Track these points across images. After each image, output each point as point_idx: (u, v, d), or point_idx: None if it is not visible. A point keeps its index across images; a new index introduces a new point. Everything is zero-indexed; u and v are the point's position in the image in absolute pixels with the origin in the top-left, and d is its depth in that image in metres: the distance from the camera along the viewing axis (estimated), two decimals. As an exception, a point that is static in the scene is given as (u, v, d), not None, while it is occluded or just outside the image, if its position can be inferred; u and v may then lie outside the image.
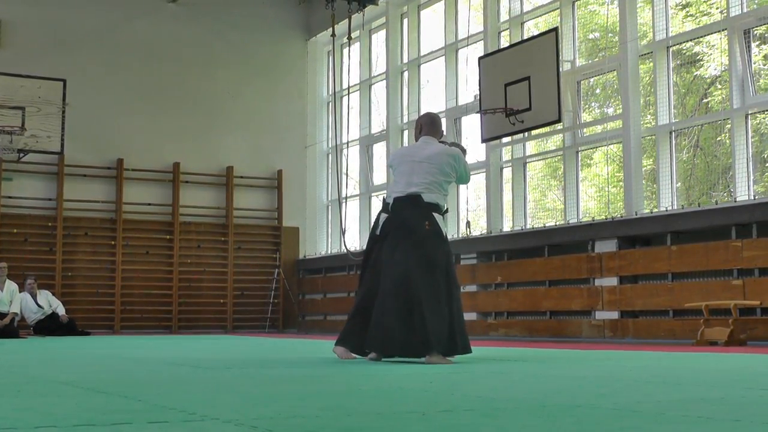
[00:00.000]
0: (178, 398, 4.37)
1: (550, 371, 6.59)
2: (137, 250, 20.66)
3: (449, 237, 16.06)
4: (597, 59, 16.08)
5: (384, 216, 8.06)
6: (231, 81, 21.94)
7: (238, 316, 21.41)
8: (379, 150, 21.25)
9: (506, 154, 17.55)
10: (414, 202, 7.91)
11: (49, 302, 18.36)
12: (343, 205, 18.09)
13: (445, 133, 8.70)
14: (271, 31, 22.56)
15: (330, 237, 22.54)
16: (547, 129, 16.00)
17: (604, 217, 14.86)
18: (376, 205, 21.50)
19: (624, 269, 13.99)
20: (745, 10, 13.31)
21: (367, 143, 21.46)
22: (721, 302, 12.06)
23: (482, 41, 17.87)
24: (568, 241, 15.10)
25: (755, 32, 13.44)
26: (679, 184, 14.51)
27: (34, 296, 18.13)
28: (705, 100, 15.02)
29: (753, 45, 13.35)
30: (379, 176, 21.20)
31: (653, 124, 14.57)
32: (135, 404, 4.07)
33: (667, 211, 13.79)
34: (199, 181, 21.38)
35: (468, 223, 17.45)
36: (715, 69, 14.63)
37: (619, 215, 14.61)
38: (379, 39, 21.79)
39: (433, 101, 20.19)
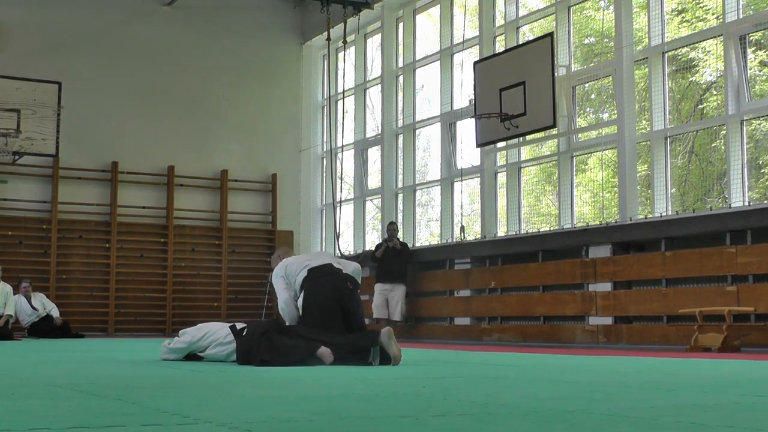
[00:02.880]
0: (171, 401, 4.37)
1: (544, 376, 6.59)
2: (132, 253, 20.65)
3: (446, 241, 16.10)
4: (592, 64, 16.10)
5: None
6: (226, 84, 21.94)
7: (232, 320, 21.34)
8: (374, 154, 21.25)
9: (501, 159, 17.56)
10: None
11: (44, 305, 18.36)
12: (338, 209, 18.09)
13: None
14: (266, 34, 22.56)
15: (324, 241, 22.53)
16: (541, 134, 16.00)
17: (598, 223, 14.87)
18: (371, 208, 21.51)
19: (618, 275, 14.00)
20: (740, 16, 13.32)
21: (361, 147, 21.46)
22: (715, 308, 12.07)
23: (477, 46, 17.88)
24: (563, 247, 15.12)
25: (751, 38, 13.45)
26: (674, 189, 14.52)
27: (28, 299, 18.13)
28: (700, 106, 15.03)
29: (749, 51, 13.36)
30: (374, 180, 21.21)
31: (648, 129, 14.58)
32: (129, 407, 4.07)
33: (661, 216, 13.80)
34: (193, 184, 21.37)
35: (462, 228, 17.46)
36: (711, 75, 14.65)
37: (613, 221, 14.62)
38: (374, 43, 21.80)
39: (427, 106, 20.22)
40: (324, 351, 7.43)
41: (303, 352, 7.49)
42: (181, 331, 8.65)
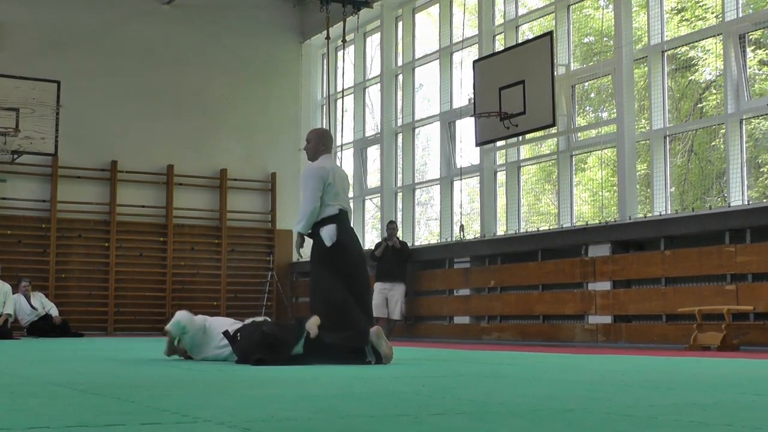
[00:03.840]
0: (171, 400, 4.37)
1: (543, 375, 6.59)
2: (131, 252, 20.64)
3: (445, 240, 16.13)
4: (592, 63, 16.09)
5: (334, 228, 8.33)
6: (225, 83, 21.94)
7: (231, 319, 21.34)
8: (373, 153, 21.25)
9: (500, 158, 17.56)
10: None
11: (43, 304, 18.36)
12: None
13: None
14: (266, 33, 22.55)
15: (324, 240, 22.46)
16: (541, 133, 16.00)
17: (597, 222, 14.87)
18: (370, 207, 21.51)
19: (617, 274, 14.00)
20: (740, 15, 13.32)
21: (361, 146, 21.46)
22: (714, 307, 12.07)
23: (477, 45, 17.87)
24: (562, 246, 15.11)
25: (750, 37, 13.45)
26: (673, 188, 14.52)
27: (27, 298, 18.13)
28: (699, 105, 15.03)
29: (748, 50, 13.36)
30: (373, 179, 21.20)
31: (647, 128, 14.59)
32: (128, 406, 4.07)
33: (660, 215, 13.80)
34: (193, 183, 21.36)
35: (462, 227, 17.45)
36: (710, 74, 14.65)
37: (612, 219, 14.62)
38: (373, 42, 21.80)
39: (427, 104, 20.22)
40: (312, 321, 7.42)
41: (294, 334, 7.44)
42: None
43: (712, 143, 14.33)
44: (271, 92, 22.49)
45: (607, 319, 14.04)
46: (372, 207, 21.57)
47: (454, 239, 17.84)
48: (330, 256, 8.18)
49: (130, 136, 20.78)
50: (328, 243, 8.18)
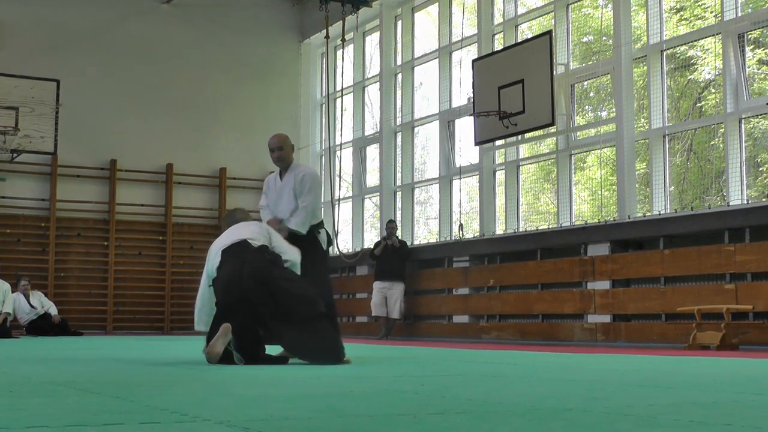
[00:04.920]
0: (170, 399, 4.37)
1: (542, 374, 6.59)
2: (130, 251, 20.64)
3: (444, 239, 16.16)
4: (591, 62, 16.08)
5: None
6: (224, 82, 21.93)
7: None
8: (373, 152, 21.24)
9: (499, 157, 17.55)
10: None
11: (42, 303, 18.37)
12: (336, 206, 18.07)
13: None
14: (265, 32, 22.55)
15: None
16: (540, 132, 16.00)
17: (597, 221, 14.86)
18: (369, 207, 21.50)
19: (616, 273, 13.99)
20: (739, 14, 13.32)
21: (360, 145, 21.45)
22: (714, 306, 12.06)
23: (476, 44, 17.88)
24: (561, 245, 15.11)
25: (749, 36, 13.44)
26: (672, 188, 14.51)
27: (27, 297, 18.13)
28: (699, 104, 15.03)
29: (747, 49, 13.35)
30: (373, 178, 21.20)
31: (647, 127, 14.58)
32: (127, 405, 4.07)
33: (660, 214, 13.80)
34: (192, 182, 21.36)
35: (461, 226, 17.45)
36: (709, 73, 14.65)
37: (612, 219, 14.61)
38: (372, 41, 21.79)
39: (426, 104, 20.21)
40: (220, 332, 7.43)
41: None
42: None
43: (711, 142, 14.33)
44: (270, 91, 22.49)
45: (607, 319, 14.04)
46: (371, 206, 21.56)
47: (453, 238, 17.84)
48: (325, 257, 8.61)
49: (129, 135, 20.78)
50: (326, 246, 8.55)
